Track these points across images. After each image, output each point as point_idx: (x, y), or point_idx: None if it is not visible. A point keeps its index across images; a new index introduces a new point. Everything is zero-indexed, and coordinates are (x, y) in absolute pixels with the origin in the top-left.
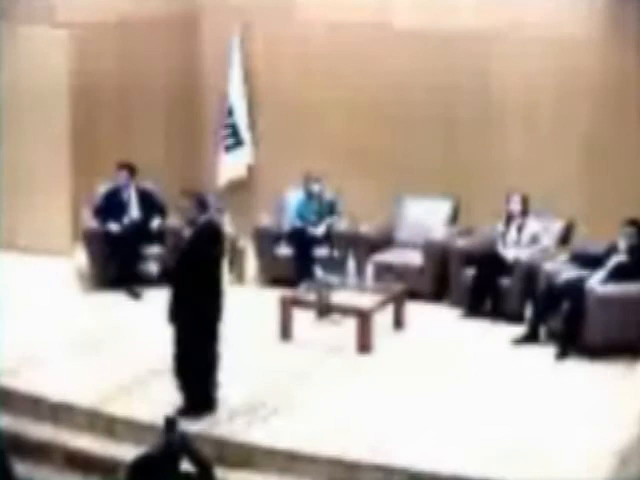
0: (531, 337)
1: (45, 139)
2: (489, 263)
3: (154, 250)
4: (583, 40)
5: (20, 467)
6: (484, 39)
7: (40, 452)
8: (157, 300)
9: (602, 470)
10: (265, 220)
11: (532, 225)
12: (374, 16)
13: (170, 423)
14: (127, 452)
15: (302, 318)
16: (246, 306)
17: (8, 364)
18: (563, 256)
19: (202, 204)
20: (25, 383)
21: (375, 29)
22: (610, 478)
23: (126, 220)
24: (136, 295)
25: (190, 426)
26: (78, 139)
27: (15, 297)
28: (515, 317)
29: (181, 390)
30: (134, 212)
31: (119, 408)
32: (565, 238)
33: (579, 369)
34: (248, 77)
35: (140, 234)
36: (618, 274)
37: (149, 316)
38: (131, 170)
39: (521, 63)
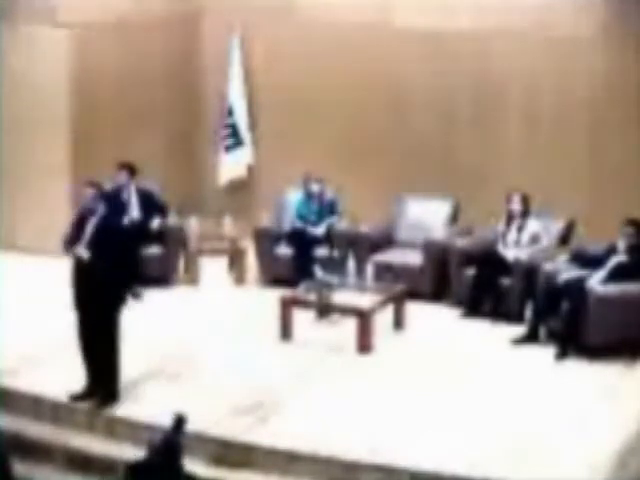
0: (531, 337)
1: (45, 139)
2: (489, 263)
3: (154, 250)
4: (583, 39)
5: (20, 467)
6: (484, 38)
7: (40, 452)
8: (157, 300)
9: (602, 470)
10: (265, 220)
11: (532, 225)
12: (375, 16)
13: (179, 421)
14: (127, 452)
15: (302, 318)
16: (246, 306)
17: (8, 364)
18: (563, 256)
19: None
20: (25, 383)
21: (375, 29)
22: (610, 478)
23: (126, 220)
24: (136, 295)
25: (190, 425)
26: (78, 139)
27: (15, 297)
28: (515, 317)
29: (87, 373)
30: (134, 212)
31: (118, 408)
32: (565, 238)
33: (579, 369)
34: (248, 77)
35: (140, 234)
36: (618, 274)
37: (149, 316)
38: (131, 170)
39: (521, 62)
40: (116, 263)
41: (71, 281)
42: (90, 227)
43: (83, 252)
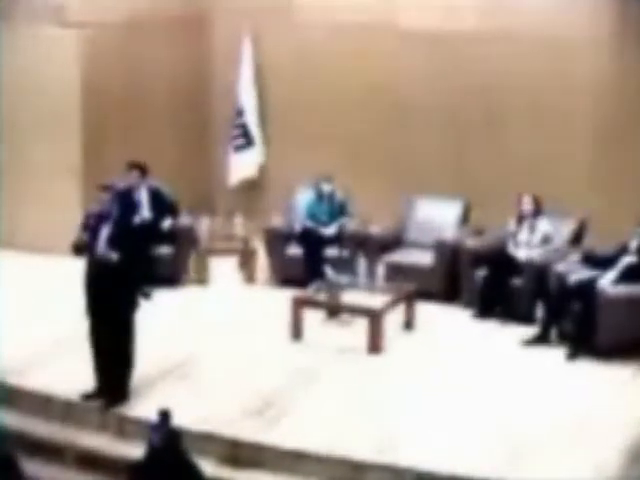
0: (542, 338)
1: (54, 139)
2: (500, 263)
3: (165, 250)
4: (588, 39)
5: (30, 466)
6: (490, 39)
7: (50, 451)
8: (167, 300)
9: (610, 470)
10: (276, 220)
11: (544, 225)
12: (380, 17)
13: (164, 415)
14: (137, 451)
15: (313, 318)
16: (257, 306)
17: (17, 363)
18: (574, 256)
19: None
20: (34, 382)
21: (382, 30)
22: (618, 477)
23: (137, 220)
24: (146, 295)
25: (200, 425)
26: (88, 139)
27: (22, 296)
28: (526, 318)
29: (95, 373)
30: (145, 212)
31: (128, 407)
32: (577, 238)
33: (590, 370)
34: (258, 77)
35: (151, 234)
36: (629, 275)
37: (158, 316)
38: (142, 170)
39: (528, 63)
40: (129, 263)
41: (85, 283)
42: (105, 230)
43: (112, 255)
